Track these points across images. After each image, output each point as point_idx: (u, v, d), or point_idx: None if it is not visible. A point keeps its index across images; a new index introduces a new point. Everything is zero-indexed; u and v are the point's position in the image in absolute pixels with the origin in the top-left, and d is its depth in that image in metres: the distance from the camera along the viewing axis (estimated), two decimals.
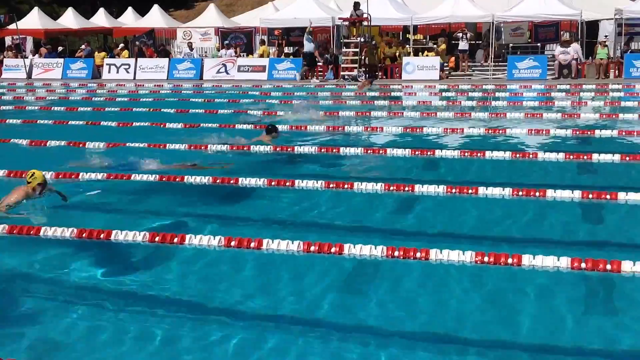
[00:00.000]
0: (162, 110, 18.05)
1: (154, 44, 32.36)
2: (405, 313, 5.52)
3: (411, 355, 4.83)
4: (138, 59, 29.55)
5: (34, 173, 8.42)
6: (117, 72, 29.08)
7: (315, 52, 28.47)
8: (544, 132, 13.46)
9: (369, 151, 11.61)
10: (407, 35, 29.02)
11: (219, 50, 30.06)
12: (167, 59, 29.23)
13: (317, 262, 6.57)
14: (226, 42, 30.03)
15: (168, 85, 26.25)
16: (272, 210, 8.68)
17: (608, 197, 8.34)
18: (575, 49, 24.72)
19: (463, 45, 27.32)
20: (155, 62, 29.23)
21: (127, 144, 12.28)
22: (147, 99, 21.27)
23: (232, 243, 6.85)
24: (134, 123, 15.38)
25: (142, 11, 35.47)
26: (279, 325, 5.36)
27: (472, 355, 4.81)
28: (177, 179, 9.74)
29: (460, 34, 27.46)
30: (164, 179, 9.72)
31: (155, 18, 33.63)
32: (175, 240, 7.00)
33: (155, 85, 26.08)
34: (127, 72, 28.98)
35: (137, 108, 18.62)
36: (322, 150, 11.76)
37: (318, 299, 5.84)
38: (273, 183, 9.31)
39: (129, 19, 35.80)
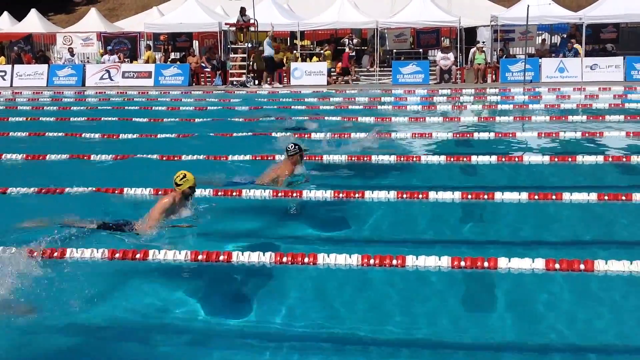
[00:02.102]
0: (41, 118, 17.31)
1: (32, 50, 30.99)
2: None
3: None
4: (15, 65, 28.22)
5: (185, 174, 7.32)
6: None
7: (202, 58, 28.24)
8: (427, 135, 13.91)
9: (256, 157, 11.60)
10: (295, 41, 29.27)
11: (102, 56, 29.16)
12: (46, 65, 28.06)
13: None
14: (109, 47, 29.19)
15: (48, 92, 25.20)
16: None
17: (486, 196, 8.74)
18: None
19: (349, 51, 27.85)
20: (34, 69, 28.02)
21: (3, 156, 11.72)
22: (25, 107, 20.33)
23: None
24: (11, 133, 14.68)
25: (19, 16, 33.80)
26: None
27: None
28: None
29: (347, 40, 28.01)
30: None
31: (33, 23, 32.19)
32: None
33: (33, 93, 24.97)
34: (4, 79, 27.63)
35: (14, 117, 17.77)
36: (210, 157, 11.66)
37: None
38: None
39: (5, 23, 33.97)
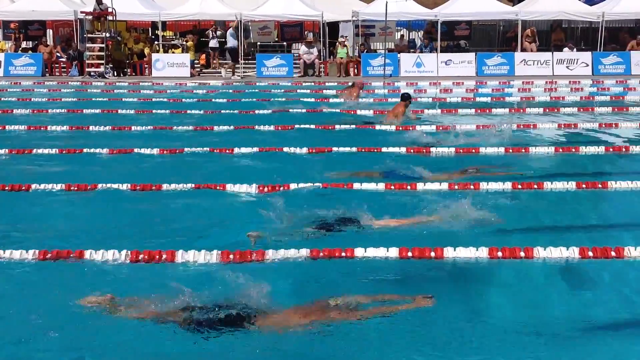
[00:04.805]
0: None
1: None
2: None
3: None
4: None
5: None
6: None
7: (58, 47, 26.97)
8: (289, 127, 14.01)
9: (114, 151, 11.23)
10: (157, 32, 28.53)
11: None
12: None
13: None
14: None
15: None
16: None
17: (345, 186, 8.99)
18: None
19: (213, 43, 27.53)
20: None
21: None
22: None
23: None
24: None
25: None
26: None
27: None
28: None
29: (210, 32, 27.66)
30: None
31: None
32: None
33: None
34: None
35: None
36: (63, 151, 11.17)
37: None
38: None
39: None
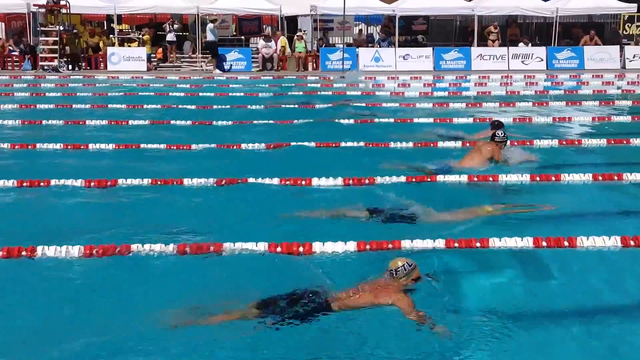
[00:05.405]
0: None
1: None
2: None
3: None
4: None
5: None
6: None
7: (10, 41, 26.40)
8: (248, 123, 13.95)
9: (68, 147, 11.04)
10: (112, 25, 28.08)
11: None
12: None
13: None
14: None
15: None
16: None
17: (303, 182, 8.96)
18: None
19: (170, 36, 27.23)
20: None
21: None
22: None
23: None
24: None
25: None
26: None
27: None
28: None
29: (167, 25, 27.34)
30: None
31: None
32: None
33: None
34: None
35: None
36: (15, 147, 10.94)
37: None
38: None
39: None
